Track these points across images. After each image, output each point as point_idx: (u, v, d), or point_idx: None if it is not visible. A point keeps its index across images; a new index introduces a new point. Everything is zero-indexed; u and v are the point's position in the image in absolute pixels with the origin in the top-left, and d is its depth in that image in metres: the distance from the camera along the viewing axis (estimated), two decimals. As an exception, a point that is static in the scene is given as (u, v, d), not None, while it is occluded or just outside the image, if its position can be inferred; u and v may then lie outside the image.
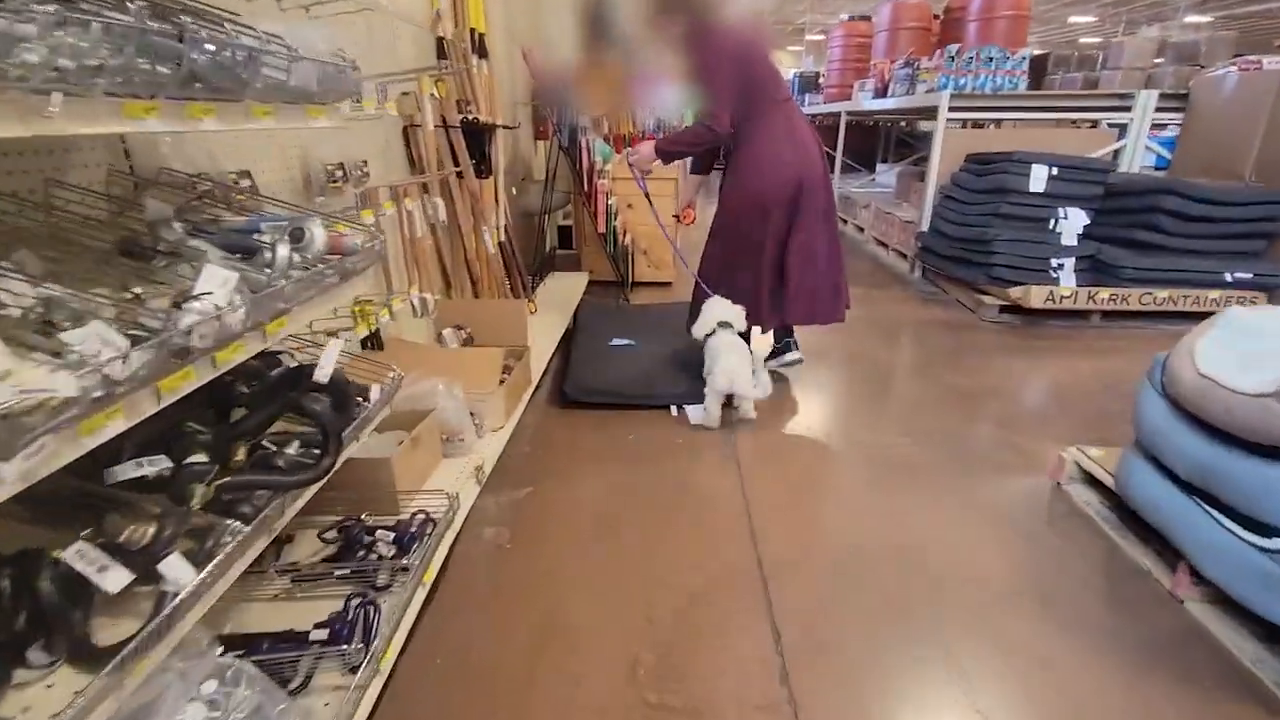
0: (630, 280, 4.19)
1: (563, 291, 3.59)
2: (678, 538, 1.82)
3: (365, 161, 1.91)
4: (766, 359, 2.94)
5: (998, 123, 6.43)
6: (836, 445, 2.35)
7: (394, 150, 2.35)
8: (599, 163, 3.95)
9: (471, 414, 1.81)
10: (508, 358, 2.24)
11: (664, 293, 4.35)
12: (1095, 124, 5.68)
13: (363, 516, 1.41)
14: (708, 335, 2.54)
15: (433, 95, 2.41)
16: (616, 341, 3.01)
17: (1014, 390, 2.86)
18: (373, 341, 2.10)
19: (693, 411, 2.55)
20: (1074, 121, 5.91)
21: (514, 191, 3.94)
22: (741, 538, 1.82)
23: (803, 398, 2.75)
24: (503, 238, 2.90)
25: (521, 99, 4.24)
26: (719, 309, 2.61)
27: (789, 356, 2.94)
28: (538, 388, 2.74)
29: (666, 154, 2.71)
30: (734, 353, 2.44)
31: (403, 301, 1.98)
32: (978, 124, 6.85)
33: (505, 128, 2.96)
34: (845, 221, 6.87)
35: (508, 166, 3.98)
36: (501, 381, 2.01)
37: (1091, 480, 2.00)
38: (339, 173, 1.66)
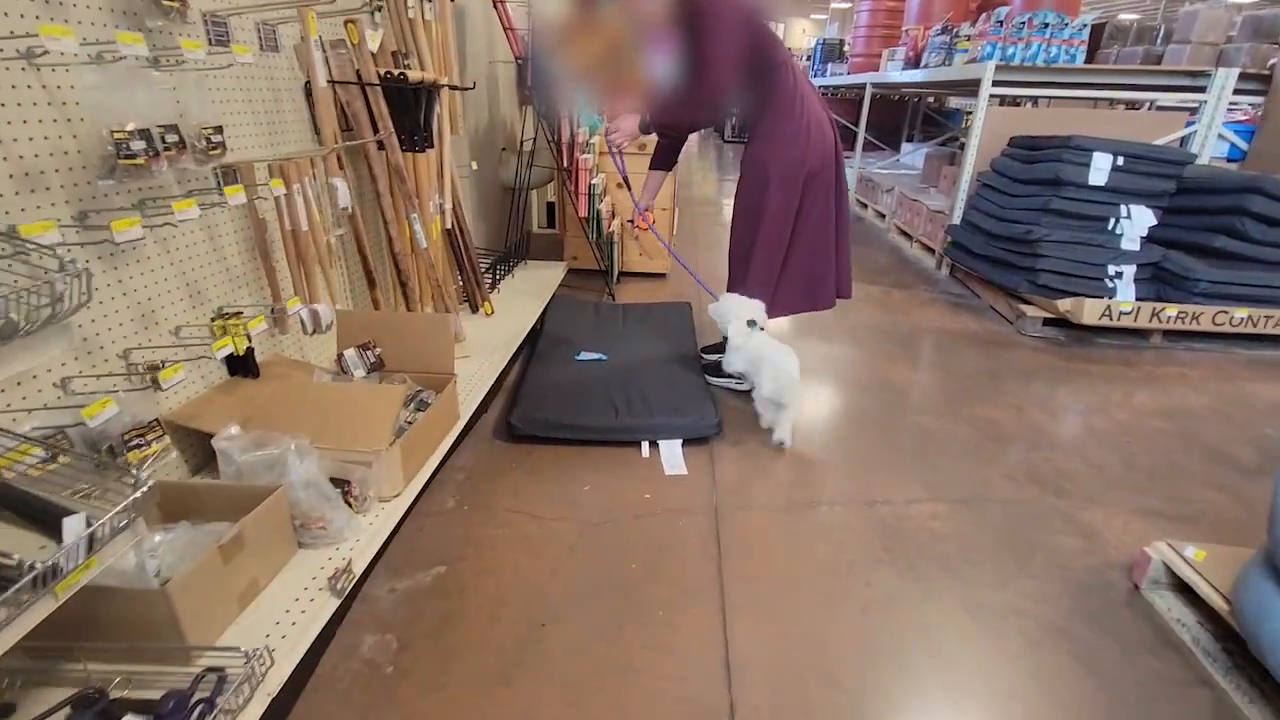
0: (616, 273, 3.66)
1: (535, 285, 3.08)
2: (627, 658, 1.35)
3: (218, 129, 1.39)
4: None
5: (1034, 100, 5.79)
6: (845, 511, 1.85)
7: (291, 114, 1.82)
8: (583, 134, 3.39)
9: (346, 486, 1.33)
10: (425, 389, 1.75)
11: (656, 286, 3.83)
12: (1150, 106, 5.04)
13: (110, 688, 0.93)
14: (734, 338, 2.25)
15: (341, 42, 1.87)
16: (584, 355, 2.51)
17: (1064, 432, 2.34)
18: (244, 365, 1.61)
19: (668, 454, 2.06)
20: (1128, 103, 5.26)
21: (496, 162, 3.40)
22: (713, 669, 1.33)
23: (804, 437, 2.25)
24: (449, 224, 2.38)
25: (503, 56, 3.67)
26: (742, 307, 2.27)
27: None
28: (483, 410, 2.25)
29: (658, 126, 2.20)
30: (786, 356, 2.12)
31: (262, 321, 1.48)
32: (1015, 101, 6.21)
33: (454, 88, 2.42)
34: (865, 206, 6.27)
35: (481, 135, 3.44)
36: (404, 430, 1.51)
37: (1185, 589, 1.50)
38: (137, 144, 1.14)
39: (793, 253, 2.36)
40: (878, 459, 2.12)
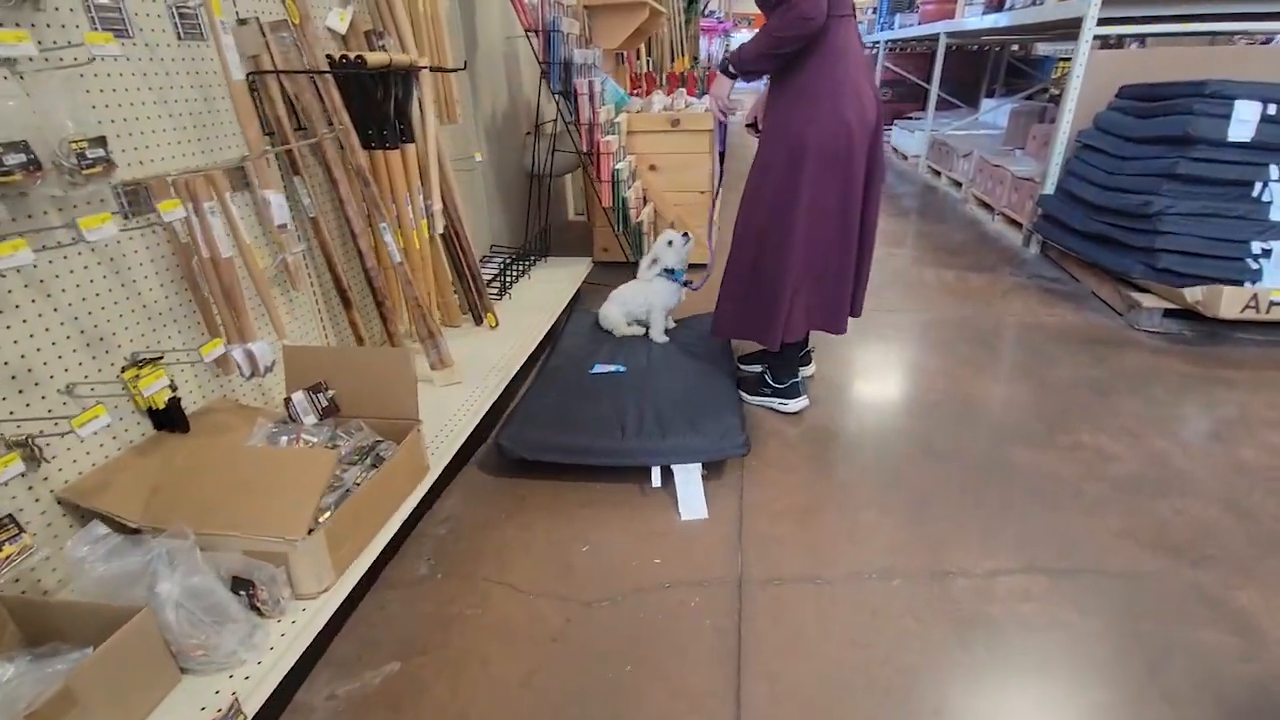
0: (647, 265, 3.28)
1: (553, 286, 2.75)
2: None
3: (99, 140, 1.12)
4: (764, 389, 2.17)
5: (1140, 41, 4.95)
6: (906, 587, 1.46)
7: (230, 115, 1.54)
8: (606, 113, 3.02)
9: (250, 588, 1.05)
10: (384, 439, 1.46)
11: (697, 277, 3.43)
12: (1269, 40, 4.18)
13: None
14: None
15: (284, 24, 1.57)
16: (599, 368, 2.17)
17: (1199, 467, 1.83)
18: (169, 419, 1.36)
19: (684, 491, 1.71)
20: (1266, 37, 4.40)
21: (520, 148, 3.04)
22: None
23: (854, 473, 1.85)
24: (440, 229, 2.08)
25: (519, 30, 3.33)
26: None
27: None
28: (482, 439, 1.96)
29: (742, 65, 1.82)
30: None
31: (162, 375, 1.22)
32: (1118, 44, 5.36)
33: (439, 70, 2.09)
34: (937, 173, 5.61)
35: (498, 120, 3.12)
36: (331, 509, 1.22)
37: None
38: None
39: (817, 254, 1.93)
40: (950, 506, 1.70)
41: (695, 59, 12.16)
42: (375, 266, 1.81)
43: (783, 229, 1.86)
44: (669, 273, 2.42)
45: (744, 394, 2.18)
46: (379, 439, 1.46)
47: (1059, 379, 2.32)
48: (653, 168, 3.37)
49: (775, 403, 2.15)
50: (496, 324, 2.33)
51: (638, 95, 3.89)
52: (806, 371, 2.34)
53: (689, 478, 1.74)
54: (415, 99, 1.93)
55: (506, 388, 2.04)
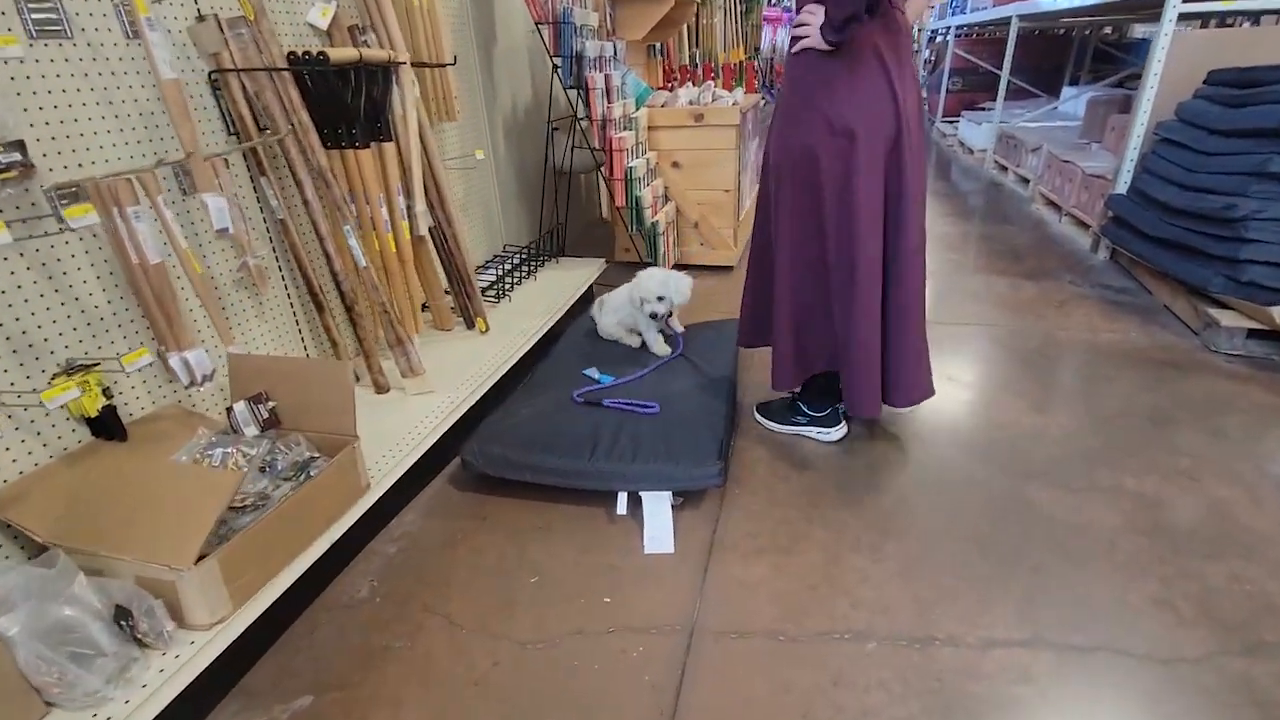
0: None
1: (557, 289, 2.65)
2: None
3: (17, 143, 1.09)
4: (793, 417, 1.96)
5: (1252, 18, 4.38)
6: (881, 652, 1.27)
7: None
8: (623, 107, 2.88)
9: (129, 618, 0.99)
10: (323, 454, 1.39)
11: (718, 284, 3.26)
12: None
13: None
14: None
15: (241, 20, 1.52)
16: (589, 371, 2.05)
17: (1272, 529, 1.53)
18: (106, 427, 1.33)
19: (652, 522, 1.57)
20: None
21: (546, 144, 2.92)
22: None
23: (845, 507, 1.65)
24: (421, 230, 2.01)
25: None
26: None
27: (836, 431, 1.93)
28: (447, 451, 1.88)
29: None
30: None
31: (72, 387, 1.18)
32: (1220, 22, 4.78)
33: (426, 65, 2.02)
34: (1004, 169, 5.17)
35: (519, 115, 3.04)
36: (218, 541, 1.14)
37: None
38: None
39: (803, 300, 1.71)
40: (951, 555, 1.48)
41: (757, 49, 11.82)
42: (343, 270, 1.75)
43: (769, 257, 1.71)
44: (653, 317, 2.13)
45: (769, 422, 2.00)
46: (314, 455, 1.39)
47: (1111, 405, 2.03)
48: (675, 165, 3.22)
49: (814, 432, 1.92)
50: (486, 329, 2.24)
51: (672, 89, 3.73)
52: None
53: (657, 507, 1.59)
54: (394, 96, 1.86)
55: (487, 396, 1.95)
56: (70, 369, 1.29)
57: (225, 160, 1.52)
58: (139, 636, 1.02)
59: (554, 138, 3.24)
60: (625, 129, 2.89)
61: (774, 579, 1.45)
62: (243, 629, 1.13)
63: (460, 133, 2.61)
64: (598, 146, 2.81)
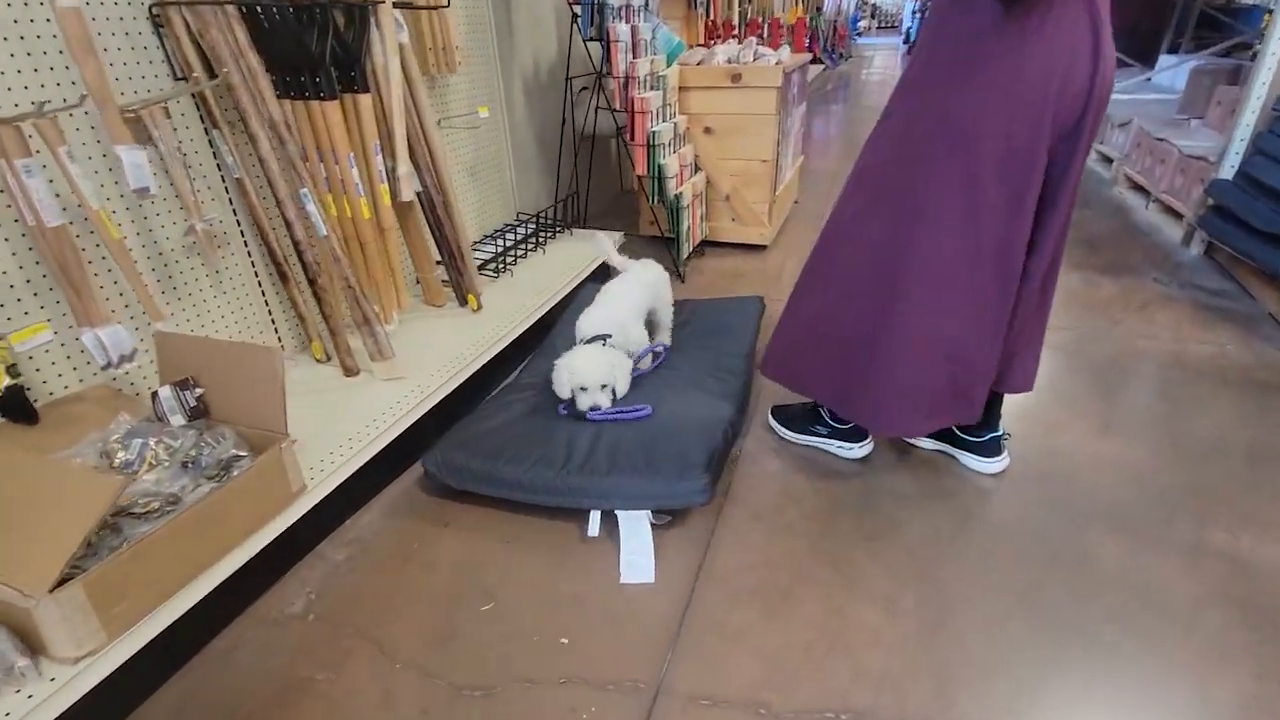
0: (688, 247, 2.86)
1: (565, 263, 2.42)
2: None
3: None
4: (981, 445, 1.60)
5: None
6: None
7: (123, 53, 1.32)
8: (650, 64, 2.59)
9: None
10: (251, 452, 1.21)
11: (748, 263, 2.98)
12: None
13: None
14: None
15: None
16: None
17: None
18: (12, 409, 1.19)
19: (629, 545, 1.35)
20: None
21: (570, 103, 2.64)
22: None
23: (869, 548, 1.40)
24: (405, 196, 1.80)
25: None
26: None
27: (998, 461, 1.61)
28: (420, 444, 1.70)
29: None
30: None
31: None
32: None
33: (410, 7, 1.78)
34: (1084, 147, 4.62)
35: (541, 72, 2.77)
36: (108, 553, 0.96)
37: None
38: None
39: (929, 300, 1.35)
40: (985, 616, 1.22)
41: (819, 10, 11.08)
42: (305, 239, 1.56)
43: (882, 267, 1.36)
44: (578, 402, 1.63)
45: (784, 429, 1.75)
46: (240, 453, 1.22)
47: (1199, 436, 1.69)
48: (707, 130, 2.91)
49: (833, 446, 1.67)
50: (479, 307, 2.04)
51: (711, 45, 3.39)
52: None
53: (635, 528, 1.38)
54: (373, 41, 1.64)
55: (468, 385, 1.76)
56: (-32, 342, 1.14)
57: (165, 108, 1.33)
58: (-15, 671, 0.87)
59: (580, 96, 2.97)
60: (651, 88, 2.60)
61: (764, 629, 1.21)
62: (118, 663, 0.97)
63: (468, 87, 2.38)
64: (618, 107, 2.53)
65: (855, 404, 1.47)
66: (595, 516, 1.41)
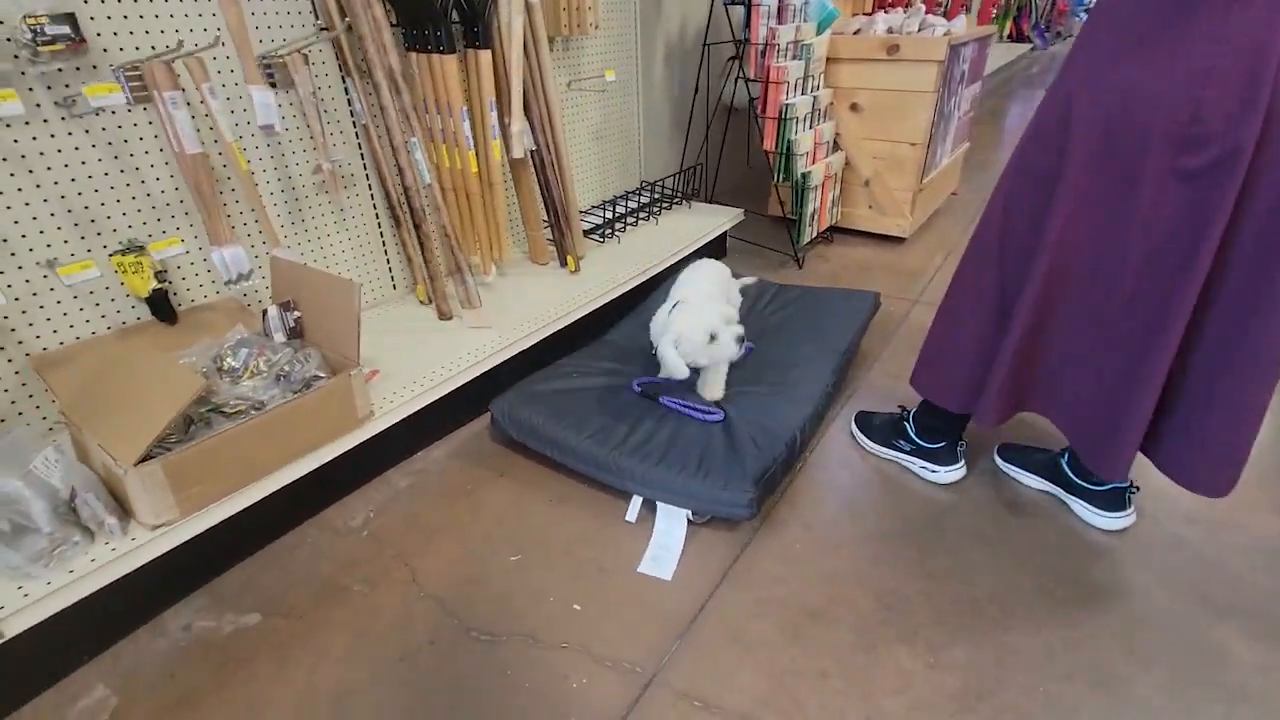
0: (810, 231, 2.67)
1: (674, 237, 2.38)
2: None
3: (67, 15, 1.09)
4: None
5: None
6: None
7: None
8: (795, 31, 2.43)
9: (74, 500, 1.00)
10: (333, 373, 1.33)
11: (880, 256, 2.74)
12: None
13: None
14: None
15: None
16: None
17: None
18: (158, 310, 1.40)
19: (660, 537, 1.32)
20: None
21: (720, 74, 2.56)
22: None
23: (924, 584, 1.24)
24: (517, 153, 1.85)
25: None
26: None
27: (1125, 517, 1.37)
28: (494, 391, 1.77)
29: None
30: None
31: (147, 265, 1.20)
32: None
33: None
34: None
35: (687, 37, 2.65)
36: (165, 445, 1.08)
37: None
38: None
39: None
40: (1053, 701, 1.04)
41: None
42: (413, 185, 1.66)
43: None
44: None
45: (865, 438, 1.60)
46: (320, 374, 1.34)
47: None
48: (854, 107, 2.69)
49: (916, 465, 1.51)
50: (576, 269, 2.07)
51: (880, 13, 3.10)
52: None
53: (670, 525, 1.34)
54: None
55: (548, 342, 1.80)
56: (127, 249, 1.35)
57: (304, 55, 1.47)
58: (84, 522, 1.04)
59: (728, 66, 2.86)
60: (793, 58, 2.44)
61: (780, 646, 1.13)
62: (189, 536, 1.12)
63: (602, 49, 2.38)
64: (752, 76, 2.41)
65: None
66: (636, 502, 1.39)
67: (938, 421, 1.45)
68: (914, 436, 1.49)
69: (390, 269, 1.90)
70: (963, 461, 1.48)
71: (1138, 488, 1.34)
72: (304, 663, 1.12)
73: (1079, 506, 1.38)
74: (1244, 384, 1.05)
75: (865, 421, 1.63)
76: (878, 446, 1.57)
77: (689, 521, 1.35)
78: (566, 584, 1.26)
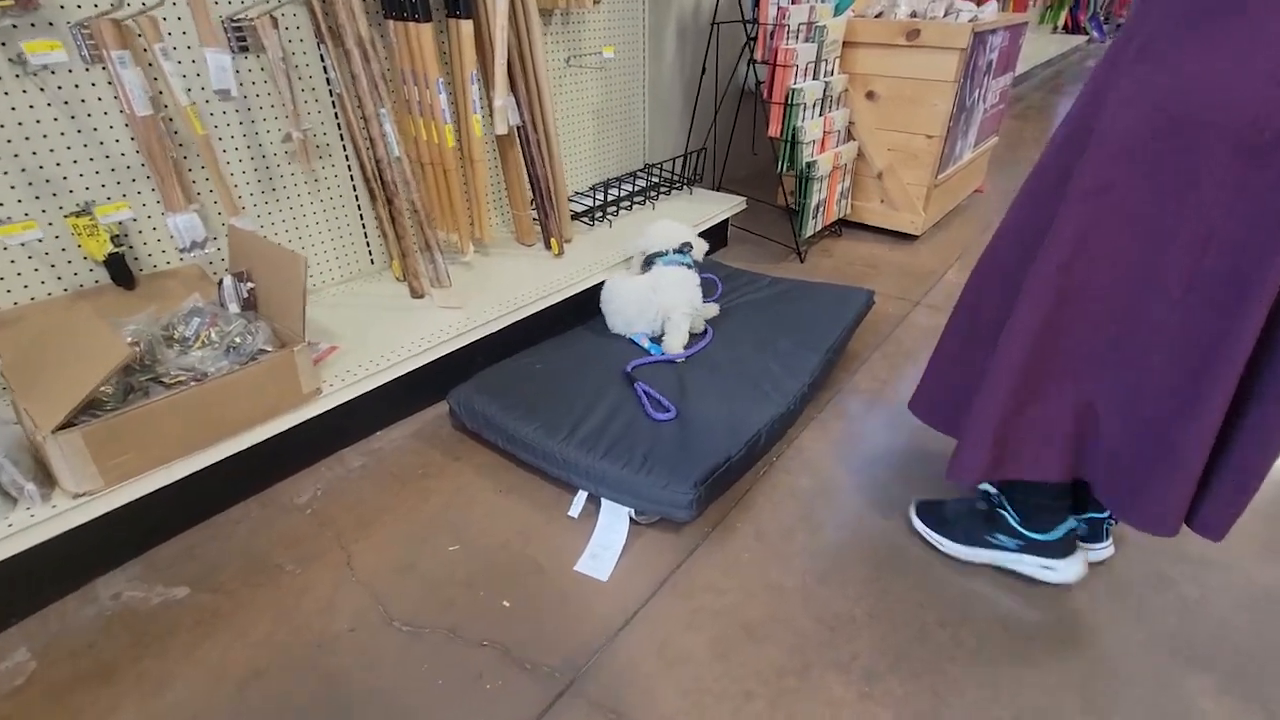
0: (814, 224, 2.57)
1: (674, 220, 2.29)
2: None
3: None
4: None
5: None
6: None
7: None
8: (809, 12, 2.31)
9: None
10: (267, 351, 1.30)
11: (890, 253, 2.63)
12: None
13: None
14: None
15: None
16: (635, 338, 1.74)
17: None
18: (116, 274, 1.39)
19: (595, 544, 1.27)
20: None
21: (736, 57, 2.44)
22: None
23: (880, 638, 1.17)
24: (501, 129, 1.79)
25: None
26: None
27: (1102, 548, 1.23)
28: (460, 374, 1.74)
29: None
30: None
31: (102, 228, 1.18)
32: None
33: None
34: None
35: (699, 21, 2.54)
36: (97, 413, 1.07)
37: None
38: None
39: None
40: (985, 741, 0.97)
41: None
42: (386, 159, 1.61)
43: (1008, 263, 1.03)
44: (679, 252, 1.84)
45: (950, 542, 1.25)
46: (267, 348, 1.31)
47: None
48: (870, 95, 2.56)
49: (1025, 564, 1.19)
50: (560, 252, 2.01)
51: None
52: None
53: (612, 522, 1.29)
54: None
55: (518, 325, 1.75)
56: (82, 211, 1.33)
57: (273, 18, 1.42)
58: (4, 488, 1.03)
59: (743, 48, 2.75)
60: (805, 40, 2.32)
61: (706, 662, 1.08)
62: (114, 507, 1.10)
63: (606, 24, 2.29)
64: (760, 58, 2.30)
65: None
66: (581, 497, 1.34)
67: (1041, 495, 1.15)
68: (1019, 525, 1.18)
69: (368, 243, 1.87)
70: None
71: (1115, 520, 1.24)
72: (220, 641, 1.10)
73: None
74: (1276, 421, 0.89)
75: (934, 515, 1.29)
76: (968, 549, 1.24)
77: (632, 521, 1.30)
78: (499, 578, 1.22)
